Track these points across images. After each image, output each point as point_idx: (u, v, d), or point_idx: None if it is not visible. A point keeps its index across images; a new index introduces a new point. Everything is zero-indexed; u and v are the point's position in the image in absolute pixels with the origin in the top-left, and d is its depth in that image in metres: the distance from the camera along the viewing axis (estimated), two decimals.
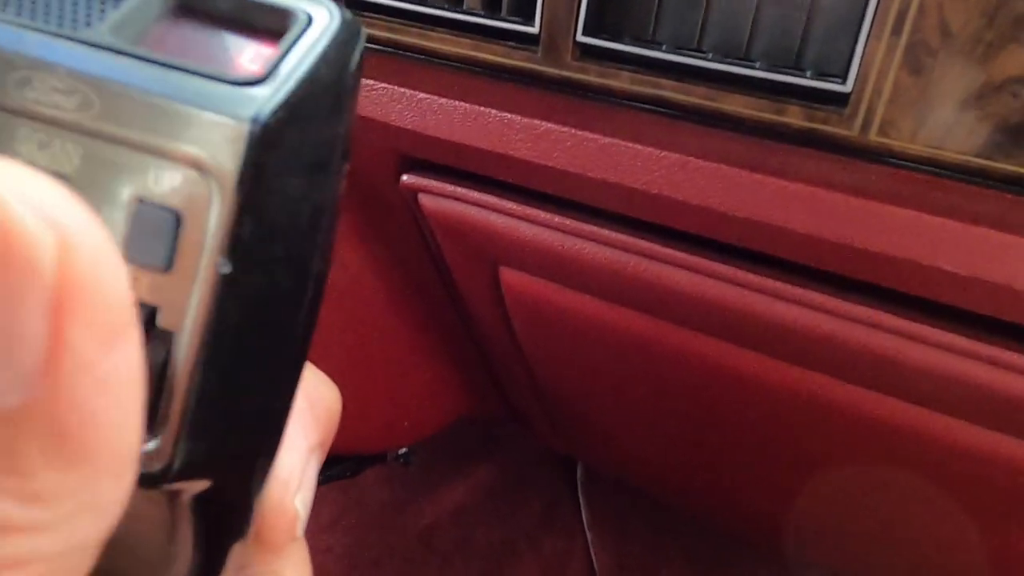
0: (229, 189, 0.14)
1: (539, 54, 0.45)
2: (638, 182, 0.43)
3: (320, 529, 1.12)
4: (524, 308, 0.58)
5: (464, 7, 0.47)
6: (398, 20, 0.49)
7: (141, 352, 0.13)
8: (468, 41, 0.47)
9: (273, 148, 0.14)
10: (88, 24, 0.15)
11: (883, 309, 0.41)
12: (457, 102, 0.46)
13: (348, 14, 0.16)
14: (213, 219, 0.14)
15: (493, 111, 0.45)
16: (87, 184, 0.14)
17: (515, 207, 0.49)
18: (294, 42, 0.15)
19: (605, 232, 0.47)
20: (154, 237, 0.14)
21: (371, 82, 0.49)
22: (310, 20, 0.15)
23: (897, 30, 0.37)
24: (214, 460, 0.16)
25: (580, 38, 0.44)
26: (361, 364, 0.72)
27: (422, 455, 1.15)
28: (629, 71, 0.44)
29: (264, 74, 0.14)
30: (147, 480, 0.15)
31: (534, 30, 0.45)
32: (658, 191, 0.42)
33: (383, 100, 0.49)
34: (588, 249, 0.49)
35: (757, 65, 0.41)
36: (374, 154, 0.53)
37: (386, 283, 0.67)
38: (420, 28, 0.49)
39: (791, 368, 0.47)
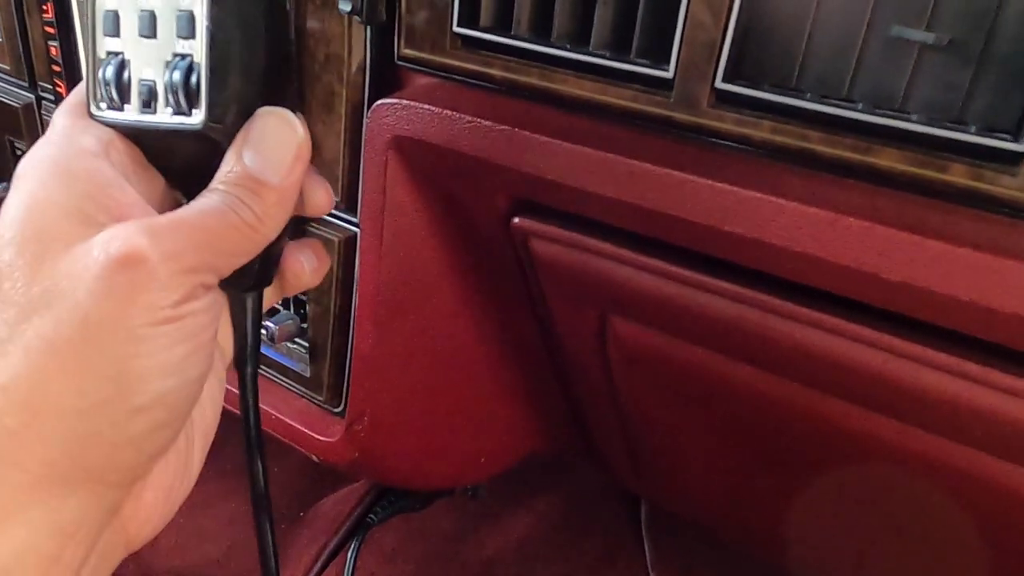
0: None
1: (672, 99, 0.43)
2: (781, 239, 0.40)
3: (382, 558, 1.10)
4: (630, 358, 0.55)
5: (590, 47, 0.45)
6: (517, 59, 0.48)
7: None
8: (592, 83, 0.46)
9: None
10: None
11: None
12: (582, 147, 0.44)
13: None
14: None
15: (621, 158, 0.43)
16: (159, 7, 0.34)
17: (636, 257, 0.47)
18: None
19: (736, 288, 0.44)
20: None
21: (487, 123, 0.47)
22: None
23: None
24: (226, 112, 0.35)
25: (719, 84, 0.42)
26: (450, 401, 0.71)
27: (487, 485, 1.13)
28: (771, 120, 0.41)
29: None
30: (194, 132, 0.34)
31: (667, 74, 0.43)
32: (802, 249, 0.40)
33: (500, 142, 0.47)
34: (714, 304, 0.46)
35: (914, 118, 0.39)
36: (484, 195, 0.52)
37: (482, 322, 0.65)
38: (541, 68, 0.47)
39: (935, 439, 0.43)
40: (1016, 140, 0.36)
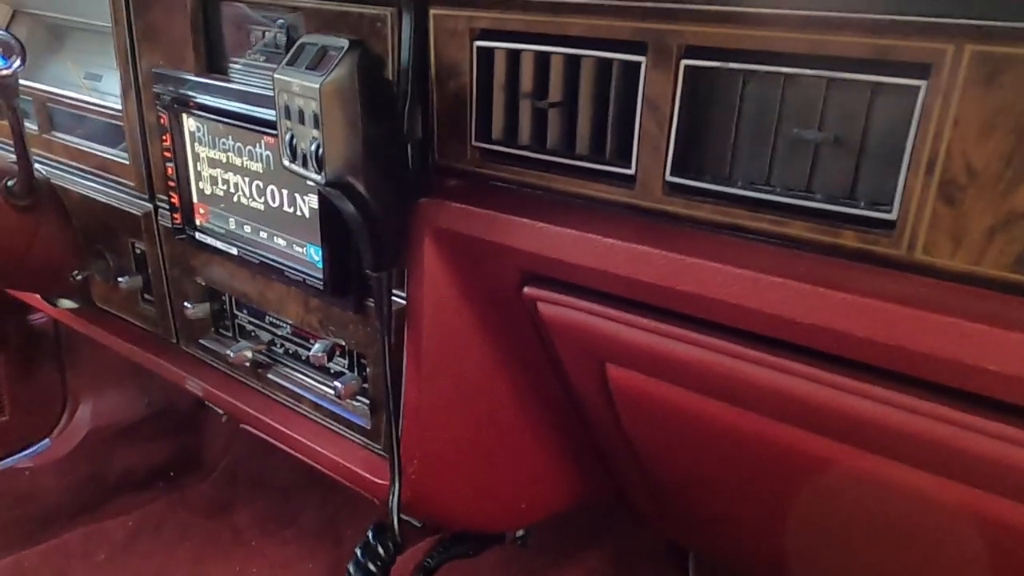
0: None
1: (635, 190, 0.56)
2: (718, 294, 0.51)
3: None
4: (629, 400, 0.66)
5: (575, 154, 0.59)
6: (521, 164, 0.61)
7: None
8: (578, 180, 0.59)
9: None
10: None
11: (940, 402, 0.47)
12: (568, 230, 0.57)
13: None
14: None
15: (598, 237, 0.56)
16: (303, 106, 0.59)
17: (618, 314, 0.59)
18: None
19: (694, 334, 0.55)
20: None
21: (497, 214, 0.61)
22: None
23: (930, 170, 0.45)
24: (337, 175, 0.59)
25: (668, 178, 0.54)
26: (488, 449, 0.82)
27: (539, 539, 1.21)
28: (710, 203, 0.53)
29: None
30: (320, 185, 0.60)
31: (631, 171, 0.56)
32: (736, 301, 0.51)
33: (510, 228, 0.60)
34: (680, 349, 0.57)
35: (817, 197, 0.50)
36: (502, 271, 0.65)
37: (511, 378, 0.77)
38: (540, 171, 0.61)
39: (863, 454, 0.53)
40: (890, 211, 0.47)
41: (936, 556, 0.62)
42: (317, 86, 0.56)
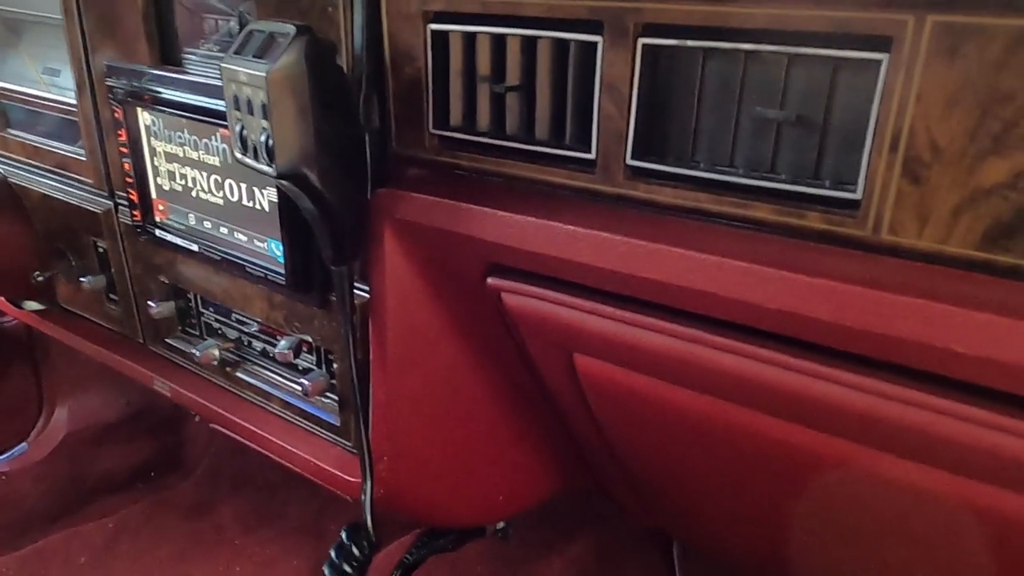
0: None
1: (596, 175, 0.54)
2: (682, 280, 0.50)
3: None
4: (597, 389, 0.65)
5: (535, 139, 0.57)
6: (479, 152, 0.59)
7: None
8: (538, 166, 0.57)
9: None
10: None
11: (910, 386, 0.46)
12: (529, 218, 0.55)
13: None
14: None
15: (559, 224, 0.54)
16: (251, 96, 0.56)
17: (583, 303, 0.57)
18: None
19: (658, 322, 0.54)
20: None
21: (456, 203, 0.59)
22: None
23: (894, 147, 0.43)
24: (287, 167, 0.56)
25: (629, 161, 0.52)
26: (461, 443, 0.80)
27: (521, 531, 1.21)
28: (672, 186, 0.52)
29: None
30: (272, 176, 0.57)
31: (591, 156, 0.54)
32: (700, 287, 0.49)
33: (471, 217, 0.58)
34: (645, 337, 0.56)
35: (781, 177, 0.48)
36: (465, 261, 0.63)
37: (482, 371, 0.75)
38: (499, 158, 0.59)
39: (833, 440, 0.51)
40: (854, 191, 0.46)
41: (908, 538, 0.61)
42: (264, 75, 0.54)
